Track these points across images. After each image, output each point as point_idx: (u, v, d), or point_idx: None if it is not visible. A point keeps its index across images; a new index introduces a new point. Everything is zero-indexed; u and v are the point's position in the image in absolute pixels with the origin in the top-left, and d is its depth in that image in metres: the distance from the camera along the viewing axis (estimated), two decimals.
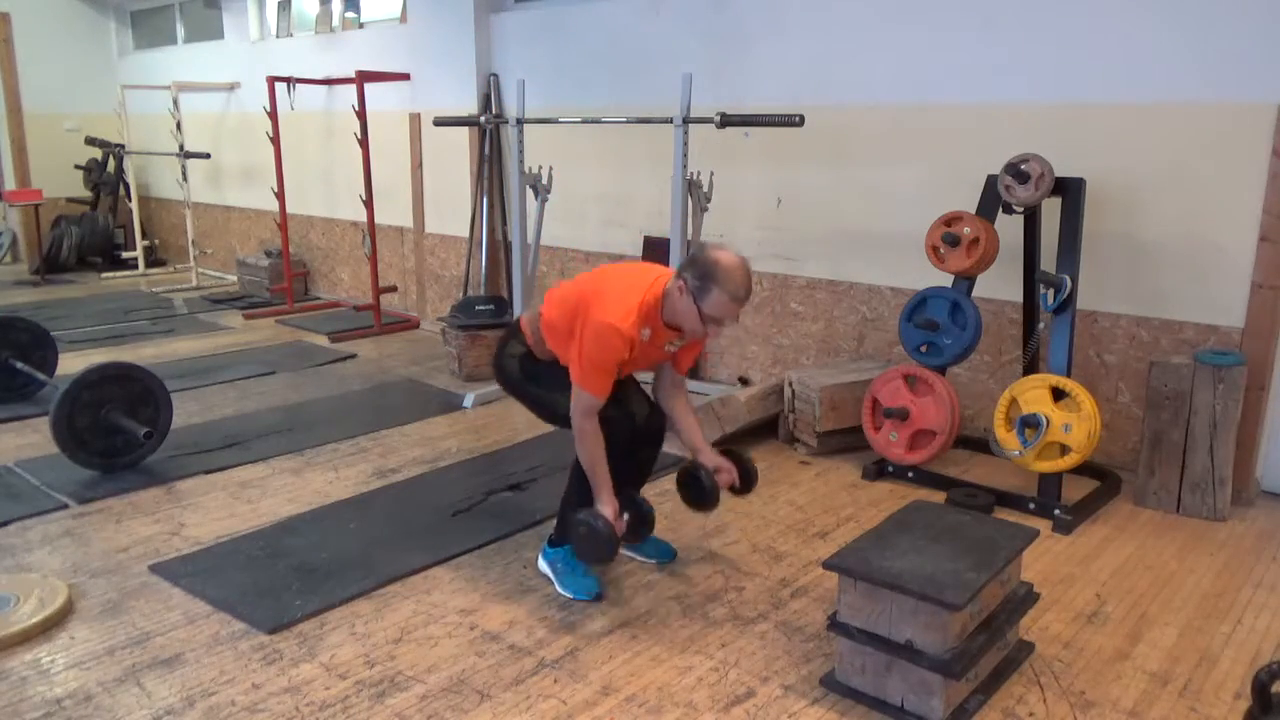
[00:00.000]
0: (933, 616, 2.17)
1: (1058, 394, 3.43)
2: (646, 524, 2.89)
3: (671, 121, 4.25)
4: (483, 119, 5.32)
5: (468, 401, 4.85)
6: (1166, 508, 3.51)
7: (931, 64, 4.19)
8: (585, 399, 2.66)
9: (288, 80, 6.95)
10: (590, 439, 2.69)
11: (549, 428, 4.32)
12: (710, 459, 2.93)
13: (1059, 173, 3.57)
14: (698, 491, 2.94)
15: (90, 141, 9.06)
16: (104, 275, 8.80)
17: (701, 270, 2.56)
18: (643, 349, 2.71)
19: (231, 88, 8.39)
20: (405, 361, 5.79)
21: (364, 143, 6.28)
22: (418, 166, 6.71)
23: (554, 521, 3.22)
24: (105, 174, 9.26)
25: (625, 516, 2.78)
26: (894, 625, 2.24)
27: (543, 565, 2.99)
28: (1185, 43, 3.54)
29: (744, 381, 5.04)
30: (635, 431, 2.94)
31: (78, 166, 9.35)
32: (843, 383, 4.07)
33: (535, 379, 2.92)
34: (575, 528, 2.71)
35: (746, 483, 3.00)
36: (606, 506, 2.70)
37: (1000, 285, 4.01)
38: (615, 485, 2.75)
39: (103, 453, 3.82)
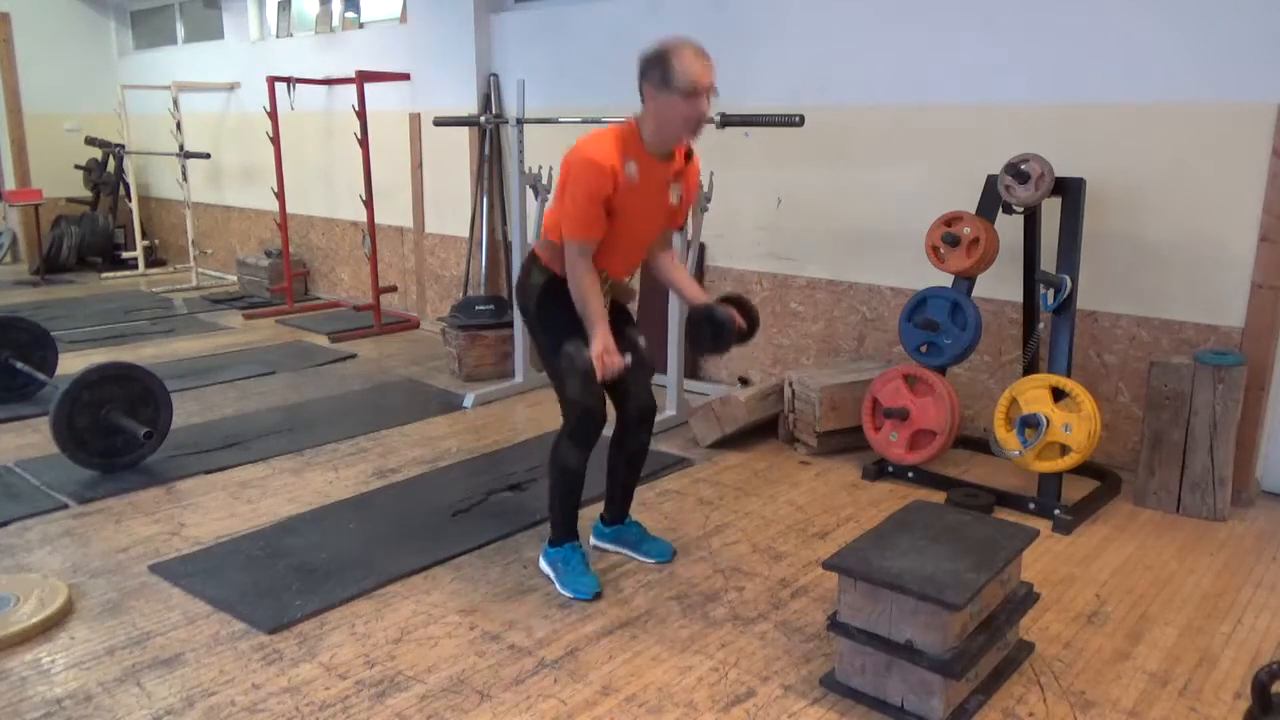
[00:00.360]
0: (933, 616, 2.17)
1: (1058, 394, 3.43)
2: (645, 368, 2.77)
3: None
4: (483, 119, 5.32)
5: (468, 401, 4.86)
6: (1166, 508, 3.51)
7: (931, 64, 4.19)
8: (574, 246, 2.62)
9: (288, 80, 6.95)
10: (583, 279, 2.63)
11: (549, 428, 4.34)
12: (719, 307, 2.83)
13: (1059, 173, 3.57)
14: (714, 329, 2.74)
15: (90, 141, 9.07)
16: (104, 275, 8.80)
17: (652, 61, 2.57)
18: (642, 193, 2.64)
19: (231, 88, 8.39)
20: (405, 361, 5.79)
21: (364, 143, 6.28)
22: (418, 166, 6.71)
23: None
24: (105, 174, 9.26)
25: (627, 357, 2.67)
26: (894, 625, 2.24)
27: (544, 566, 2.99)
28: (1185, 43, 3.54)
29: (744, 381, 5.05)
30: (624, 419, 2.98)
31: (78, 166, 9.35)
32: (843, 383, 4.07)
33: (547, 325, 2.83)
34: (559, 359, 2.62)
35: (751, 325, 2.83)
36: (597, 342, 2.60)
37: (1000, 285, 4.01)
38: (619, 341, 2.67)
39: (103, 453, 3.82)
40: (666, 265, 2.96)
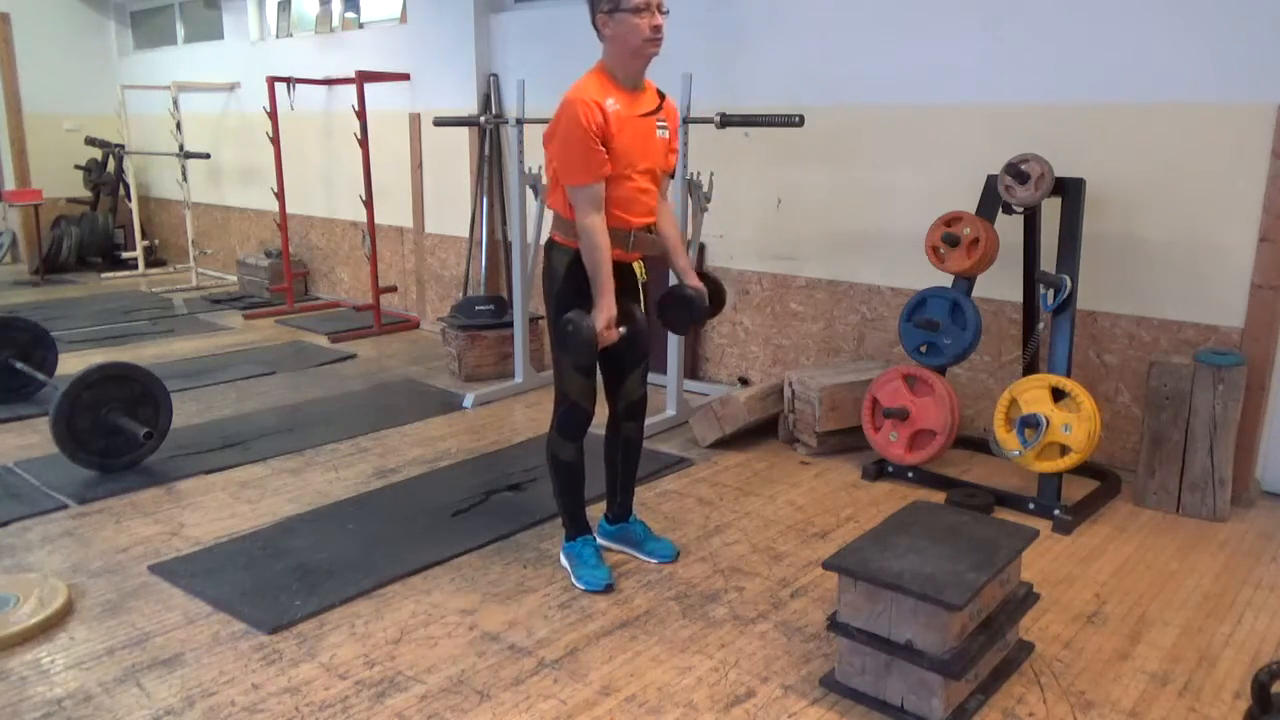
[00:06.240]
0: (933, 616, 2.17)
1: (1058, 394, 3.43)
2: (639, 346, 2.82)
3: None
4: (483, 119, 5.32)
5: (468, 401, 4.86)
6: (1166, 508, 3.51)
7: (932, 64, 4.19)
8: (583, 194, 2.62)
9: (288, 80, 6.95)
10: (598, 237, 2.63)
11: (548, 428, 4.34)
12: (694, 281, 2.90)
13: (1059, 173, 3.57)
14: (681, 308, 2.88)
15: (90, 141, 9.07)
16: (104, 275, 8.80)
17: None
18: (632, 127, 2.68)
19: (231, 88, 8.39)
20: (405, 361, 5.79)
21: (364, 143, 6.28)
22: (418, 166, 6.71)
23: (556, 520, 3.26)
24: (105, 174, 9.26)
25: (622, 330, 2.72)
26: (894, 625, 2.24)
27: (562, 560, 3.05)
28: (1185, 43, 3.54)
29: (744, 381, 5.04)
30: (614, 410, 3.04)
31: (78, 166, 9.35)
32: (843, 383, 4.07)
33: (562, 309, 2.79)
34: (562, 326, 2.65)
35: (716, 301, 2.95)
36: (602, 314, 2.65)
37: (1000, 285, 4.01)
38: (621, 313, 2.72)
39: (102, 453, 3.82)
40: (661, 219, 2.94)
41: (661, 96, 2.85)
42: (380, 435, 4.39)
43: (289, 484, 3.79)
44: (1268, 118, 3.40)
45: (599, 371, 2.91)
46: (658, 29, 2.66)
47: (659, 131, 2.80)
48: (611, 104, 2.64)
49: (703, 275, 2.97)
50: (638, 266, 2.90)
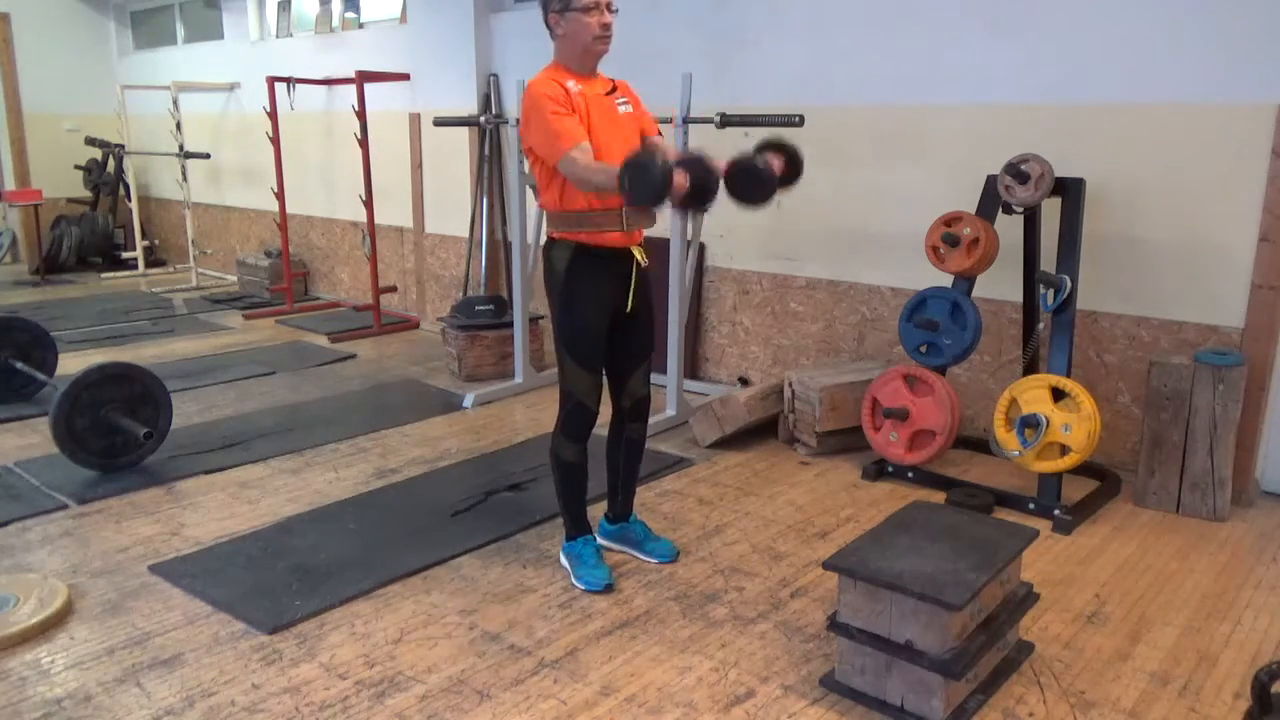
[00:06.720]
0: (933, 616, 2.17)
1: (1058, 394, 3.43)
2: (710, 186, 2.56)
3: (671, 121, 4.25)
4: (483, 119, 5.32)
5: (468, 401, 4.85)
6: (1166, 508, 3.51)
7: (932, 64, 4.19)
8: (569, 158, 2.63)
9: (288, 80, 6.95)
10: (590, 170, 2.59)
11: (549, 428, 4.32)
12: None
13: (1059, 173, 3.57)
14: (753, 178, 2.66)
15: (90, 141, 9.07)
16: (104, 275, 8.80)
17: None
18: (597, 104, 2.75)
19: (231, 88, 8.39)
20: (405, 361, 5.79)
21: (364, 143, 6.28)
22: (418, 166, 6.71)
23: (556, 520, 3.26)
24: (105, 174, 9.27)
25: (690, 176, 2.51)
26: (894, 625, 2.24)
27: (562, 560, 3.05)
28: (1185, 43, 3.54)
29: (744, 381, 5.04)
30: (618, 410, 3.04)
31: (78, 166, 9.36)
32: (843, 383, 4.07)
33: (566, 306, 2.82)
34: (632, 160, 2.47)
35: (795, 165, 2.81)
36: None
37: (1000, 285, 4.01)
38: (685, 161, 2.55)
39: (102, 453, 3.82)
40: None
41: (612, 81, 2.91)
42: (380, 435, 4.39)
43: (289, 484, 3.79)
44: (1268, 118, 3.40)
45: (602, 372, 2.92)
46: (607, 27, 2.74)
47: (621, 108, 2.85)
48: (572, 85, 2.73)
49: (778, 145, 2.82)
50: (638, 251, 2.89)
